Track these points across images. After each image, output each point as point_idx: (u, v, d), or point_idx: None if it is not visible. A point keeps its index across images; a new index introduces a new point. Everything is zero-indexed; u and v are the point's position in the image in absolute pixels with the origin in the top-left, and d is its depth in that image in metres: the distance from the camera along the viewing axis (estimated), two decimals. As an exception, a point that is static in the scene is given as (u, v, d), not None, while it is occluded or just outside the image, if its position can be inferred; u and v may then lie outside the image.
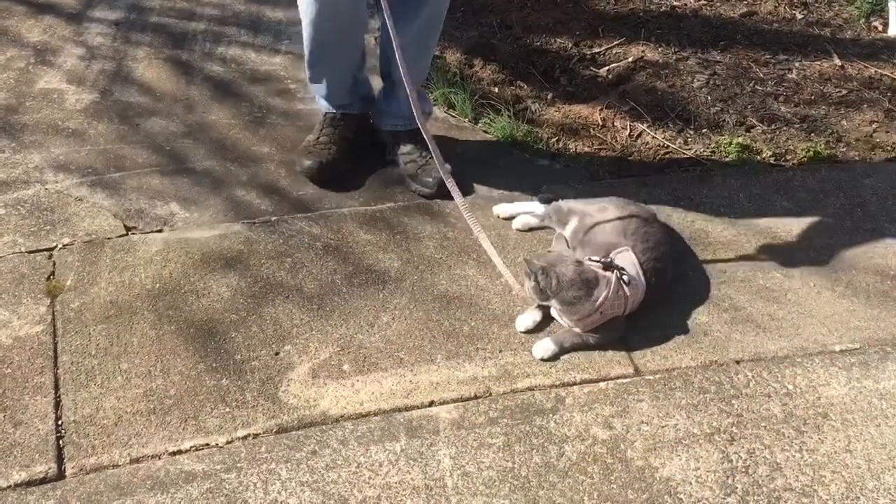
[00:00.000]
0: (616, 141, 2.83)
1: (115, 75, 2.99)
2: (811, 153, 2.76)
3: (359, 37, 2.50)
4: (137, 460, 1.77)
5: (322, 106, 2.64)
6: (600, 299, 2.00)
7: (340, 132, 2.59)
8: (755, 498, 1.73)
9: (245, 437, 1.82)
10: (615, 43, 3.31)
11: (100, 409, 1.86)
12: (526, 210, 2.41)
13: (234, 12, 3.41)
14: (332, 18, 2.33)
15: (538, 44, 3.30)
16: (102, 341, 2.01)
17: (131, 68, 3.03)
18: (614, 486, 1.75)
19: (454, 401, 1.92)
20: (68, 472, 1.74)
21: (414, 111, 2.18)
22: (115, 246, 2.27)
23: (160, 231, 2.34)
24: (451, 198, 2.25)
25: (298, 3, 2.34)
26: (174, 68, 3.05)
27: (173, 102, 2.87)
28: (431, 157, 2.51)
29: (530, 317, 2.11)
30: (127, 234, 2.32)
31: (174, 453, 1.78)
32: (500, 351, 2.05)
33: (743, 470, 1.79)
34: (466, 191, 2.47)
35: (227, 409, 1.88)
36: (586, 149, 2.79)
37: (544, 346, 2.04)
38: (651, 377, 1.99)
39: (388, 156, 2.62)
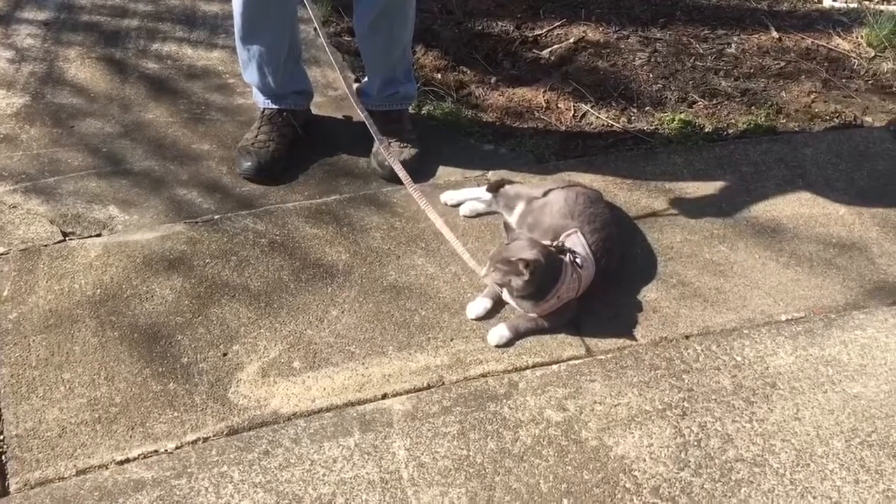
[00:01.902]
0: (560, 122, 2.83)
1: (46, 77, 2.90)
2: (752, 126, 2.79)
3: (290, 4, 2.43)
4: (84, 471, 1.72)
5: (259, 102, 2.59)
6: (558, 285, 2.00)
7: (279, 129, 2.55)
8: (708, 470, 1.75)
9: (195, 442, 1.79)
10: (556, 24, 3.31)
11: (43, 421, 1.81)
12: (473, 196, 2.40)
13: (168, 7, 3.33)
14: None
15: (480, 28, 3.29)
16: (43, 351, 1.96)
17: (63, 69, 2.95)
18: (570, 468, 1.75)
19: (407, 392, 1.91)
20: (12, 487, 1.69)
21: (350, 97, 2.19)
22: (52, 253, 2.21)
23: (99, 235, 2.28)
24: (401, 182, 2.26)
25: None
26: (108, 67, 2.97)
27: (108, 102, 2.80)
28: (395, 140, 2.51)
29: (481, 304, 2.10)
30: (64, 240, 2.26)
31: (122, 462, 1.74)
32: (452, 339, 2.04)
33: (695, 443, 1.81)
34: (414, 178, 2.45)
35: (176, 414, 1.84)
36: (531, 131, 2.78)
37: (499, 332, 2.03)
38: (602, 357, 2.00)
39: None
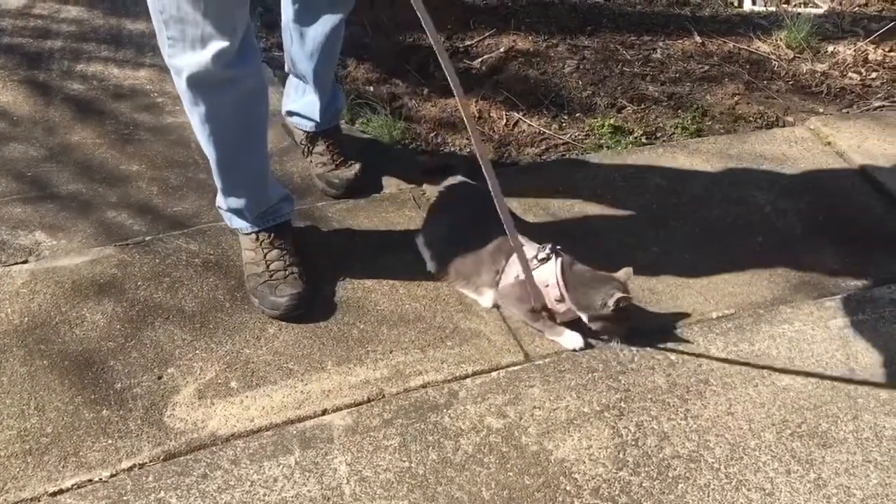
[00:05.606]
0: (493, 131, 2.86)
1: (-34, 101, 2.83)
2: (679, 129, 2.86)
3: (265, 133, 2.10)
4: (15, 506, 1.68)
5: (242, 227, 2.19)
6: None
7: (284, 246, 2.18)
8: (646, 469, 1.78)
9: (130, 469, 1.75)
10: (487, 34, 3.35)
11: (-30, 456, 1.76)
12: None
13: (92, 27, 3.27)
14: (235, 114, 1.97)
15: (411, 40, 3.30)
16: (-31, 384, 1.90)
17: (-16, 93, 2.88)
18: (511, 474, 1.77)
19: (347, 406, 1.90)
20: (-61, 527, 1.64)
21: (471, 136, 1.92)
22: (-24, 282, 2.15)
23: (25, 262, 2.22)
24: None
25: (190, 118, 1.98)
26: (31, 90, 2.90)
27: (32, 126, 2.73)
28: (341, 159, 2.48)
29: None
30: (-11, 269, 2.20)
31: (55, 493, 1.70)
32: (391, 351, 2.04)
33: (633, 443, 1.84)
34: (361, 192, 2.49)
35: (110, 441, 1.80)
36: (465, 141, 2.80)
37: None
38: (541, 362, 2.02)
39: (304, 156, 2.56)
